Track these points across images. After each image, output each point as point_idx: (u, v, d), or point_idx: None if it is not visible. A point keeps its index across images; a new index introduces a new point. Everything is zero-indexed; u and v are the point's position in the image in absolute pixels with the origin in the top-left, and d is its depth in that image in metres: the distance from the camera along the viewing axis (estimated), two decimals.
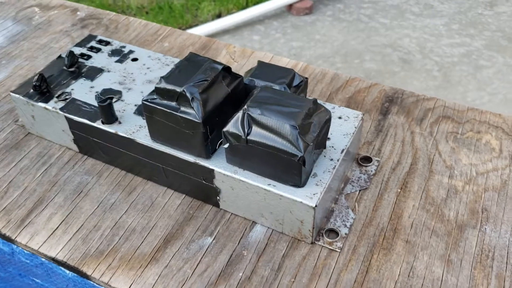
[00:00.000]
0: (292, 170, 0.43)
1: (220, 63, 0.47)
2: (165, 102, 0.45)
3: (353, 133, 0.50)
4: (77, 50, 0.61)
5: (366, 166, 0.54)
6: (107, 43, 0.62)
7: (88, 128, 0.52)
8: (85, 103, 0.53)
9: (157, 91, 0.45)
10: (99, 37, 0.63)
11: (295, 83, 0.50)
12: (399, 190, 0.52)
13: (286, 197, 0.44)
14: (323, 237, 0.47)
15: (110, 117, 0.51)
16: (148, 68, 0.58)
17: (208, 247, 0.47)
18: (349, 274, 0.45)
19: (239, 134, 0.43)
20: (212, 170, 0.47)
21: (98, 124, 0.51)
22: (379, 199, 0.51)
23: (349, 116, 0.51)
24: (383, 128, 0.59)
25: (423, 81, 1.84)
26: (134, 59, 0.59)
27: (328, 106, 0.52)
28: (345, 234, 0.47)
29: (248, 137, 0.43)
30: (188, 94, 0.44)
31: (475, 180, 0.53)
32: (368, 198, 0.51)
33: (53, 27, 0.76)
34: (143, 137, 0.49)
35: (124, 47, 0.61)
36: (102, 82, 0.56)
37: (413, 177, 0.53)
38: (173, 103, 0.45)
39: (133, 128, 0.50)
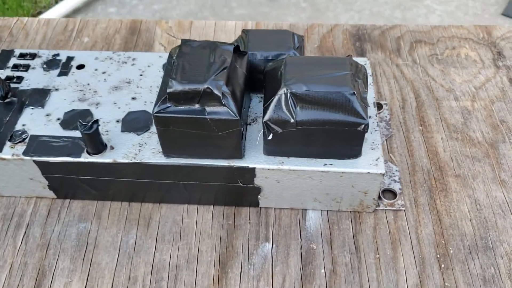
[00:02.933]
0: (353, 142, 0.38)
1: (228, 44, 0.39)
2: (183, 108, 0.36)
3: (372, 83, 0.46)
4: None
5: (379, 112, 0.50)
6: (33, 56, 0.49)
7: (71, 166, 0.41)
8: (52, 136, 0.42)
9: (171, 96, 0.36)
10: (17, 51, 0.49)
11: (297, 44, 0.44)
12: (420, 127, 0.50)
13: (349, 172, 0.39)
14: (382, 200, 0.44)
15: (99, 145, 0.40)
16: (104, 72, 0.47)
17: (272, 254, 0.41)
18: (426, 228, 0.42)
19: (286, 118, 0.37)
20: (253, 169, 0.40)
21: (85, 158, 0.40)
22: (408, 142, 0.48)
23: None
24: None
25: (295, 15, 1.85)
26: (80, 66, 0.48)
27: None
28: (400, 189, 0.44)
29: (297, 119, 0.36)
30: (215, 90, 0.35)
31: (477, 95, 0.53)
32: (398, 145, 0.48)
33: None
34: (151, 156, 0.40)
35: (57, 55, 0.49)
36: (58, 106, 0.44)
37: (424, 109, 0.51)
38: (195, 106, 0.36)
39: (132, 149, 0.41)
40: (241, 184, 0.41)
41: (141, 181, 0.42)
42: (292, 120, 0.37)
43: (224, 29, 0.61)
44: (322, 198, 0.42)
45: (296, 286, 0.39)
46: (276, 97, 0.37)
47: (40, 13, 1.85)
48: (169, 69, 0.39)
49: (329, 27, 0.61)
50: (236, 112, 0.36)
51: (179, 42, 0.60)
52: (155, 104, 0.37)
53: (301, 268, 0.40)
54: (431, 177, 0.46)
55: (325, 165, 0.39)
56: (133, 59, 0.48)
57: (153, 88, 0.45)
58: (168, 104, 0.36)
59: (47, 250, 0.41)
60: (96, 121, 0.39)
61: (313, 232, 0.42)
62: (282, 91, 0.36)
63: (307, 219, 0.43)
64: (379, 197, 0.44)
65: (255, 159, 0.40)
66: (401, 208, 0.43)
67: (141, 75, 0.47)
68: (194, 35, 0.60)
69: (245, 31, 0.45)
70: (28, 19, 0.62)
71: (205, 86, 0.35)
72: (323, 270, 0.40)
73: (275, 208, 0.44)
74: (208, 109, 0.36)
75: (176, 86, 0.36)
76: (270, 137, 0.38)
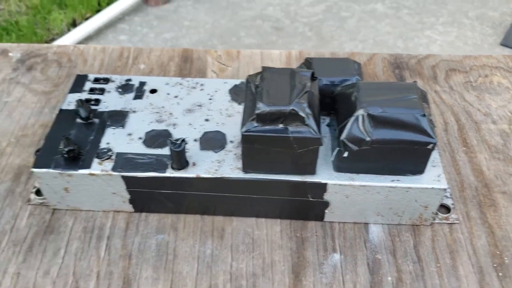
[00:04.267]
0: (420, 159, 0.42)
1: (306, 70, 0.43)
2: (268, 127, 0.40)
3: None
4: (76, 97, 0.50)
5: None
6: (107, 80, 0.52)
7: (156, 181, 0.44)
8: (136, 154, 0.45)
9: (259, 117, 0.40)
10: (91, 76, 0.53)
11: (357, 71, 0.48)
12: (464, 148, 0.54)
13: (415, 188, 0.43)
14: (437, 214, 0.47)
15: (184, 162, 0.43)
16: (176, 96, 0.51)
17: (341, 264, 0.44)
18: (480, 240, 0.46)
19: (362, 137, 0.40)
20: (325, 185, 0.43)
21: (171, 173, 0.43)
22: (454, 161, 0.52)
23: None
24: None
25: (301, 44, 1.92)
26: (153, 91, 0.51)
27: None
28: (452, 204, 0.48)
29: (373, 138, 0.40)
30: (300, 112, 0.39)
31: None
32: (446, 164, 0.52)
33: None
34: (230, 171, 0.44)
35: (130, 80, 0.52)
36: (138, 126, 0.48)
37: (466, 132, 0.56)
38: (279, 126, 0.40)
39: (212, 165, 0.44)
40: (310, 199, 0.45)
41: (217, 195, 0.45)
42: (368, 139, 0.40)
43: (270, 57, 0.66)
44: (385, 212, 0.45)
45: None
46: (353, 118, 0.41)
47: (53, 39, 1.90)
48: (250, 93, 0.42)
49: (368, 56, 0.66)
50: (317, 131, 0.40)
51: (229, 70, 0.64)
52: (243, 124, 0.40)
53: (369, 276, 0.43)
54: (479, 193, 0.49)
55: (392, 181, 0.43)
56: (201, 85, 0.52)
57: (223, 110, 0.49)
58: (255, 124, 0.40)
59: (129, 260, 0.44)
60: (184, 140, 0.42)
61: (377, 244, 0.45)
62: (359, 112, 0.40)
63: (370, 232, 0.46)
64: (436, 213, 0.47)
65: (327, 175, 0.43)
66: (455, 222, 0.47)
67: (210, 99, 0.50)
68: (243, 63, 0.65)
69: (308, 59, 0.49)
70: (85, 47, 0.66)
71: (291, 108, 0.39)
72: (390, 278, 0.43)
73: (338, 222, 0.47)
74: (290, 128, 0.40)
75: (263, 108, 0.39)
76: (345, 154, 0.42)
